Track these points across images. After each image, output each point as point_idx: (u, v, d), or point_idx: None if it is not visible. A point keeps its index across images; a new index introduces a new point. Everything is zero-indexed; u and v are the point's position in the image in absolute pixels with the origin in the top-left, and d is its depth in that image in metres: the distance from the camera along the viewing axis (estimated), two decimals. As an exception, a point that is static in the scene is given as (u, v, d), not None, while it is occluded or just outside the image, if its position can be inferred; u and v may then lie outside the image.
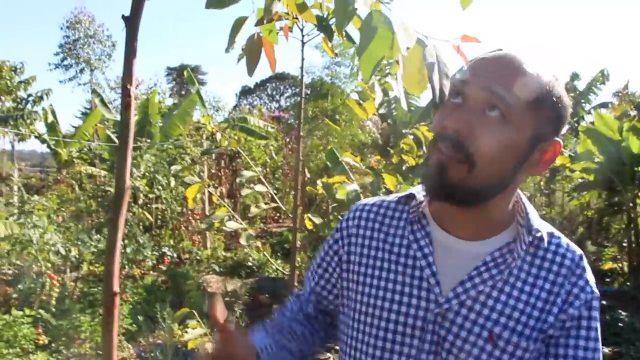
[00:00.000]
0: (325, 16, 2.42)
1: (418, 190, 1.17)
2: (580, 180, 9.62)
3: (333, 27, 1.71)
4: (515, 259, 1.04)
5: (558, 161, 10.75)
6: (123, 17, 1.65)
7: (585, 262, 1.09)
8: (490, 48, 1.10)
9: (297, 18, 2.86)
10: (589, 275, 1.08)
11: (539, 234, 1.05)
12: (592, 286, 1.06)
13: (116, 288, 1.48)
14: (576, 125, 16.87)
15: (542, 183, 13.15)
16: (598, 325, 1.06)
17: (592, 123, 9.43)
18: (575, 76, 18.29)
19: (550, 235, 1.09)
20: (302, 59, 3.32)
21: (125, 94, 1.53)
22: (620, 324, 5.40)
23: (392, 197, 1.24)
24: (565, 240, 1.10)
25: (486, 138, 0.97)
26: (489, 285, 1.04)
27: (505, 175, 1.01)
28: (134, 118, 1.59)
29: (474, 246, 1.07)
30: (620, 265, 8.53)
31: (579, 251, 1.09)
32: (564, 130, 1.06)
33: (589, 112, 17.80)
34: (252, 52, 2.16)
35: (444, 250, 1.09)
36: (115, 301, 1.46)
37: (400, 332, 1.08)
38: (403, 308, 1.08)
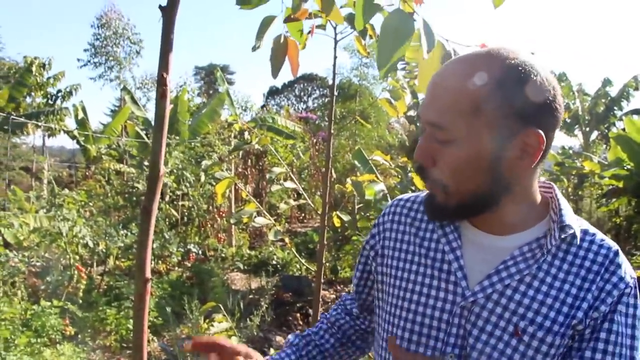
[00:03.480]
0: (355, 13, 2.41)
1: None
2: (609, 187, 9.47)
3: (355, 22, 1.71)
4: (544, 254, 1.02)
5: (587, 167, 10.63)
6: (160, 7, 1.65)
7: (621, 258, 1.04)
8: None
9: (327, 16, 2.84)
10: (625, 271, 1.03)
11: (571, 231, 1.02)
12: (627, 282, 1.02)
13: (148, 274, 1.49)
14: (606, 131, 16.64)
15: (570, 189, 13.00)
16: (633, 321, 1.02)
17: (624, 130, 9.29)
18: (607, 82, 18.00)
19: (585, 232, 1.06)
20: (335, 57, 3.30)
21: (161, 83, 1.54)
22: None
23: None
24: (600, 237, 1.07)
25: (444, 163, 1.00)
26: (516, 279, 1.03)
27: (489, 185, 1.00)
28: (169, 107, 1.59)
29: (503, 241, 1.07)
30: (650, 274, 8.36)
31: (615, 247, 1.05)
32: (548, 112, 0.98)
33: (620, 119, 17.52)
34: (277, 55, 2.16)
35: (473, 245, 1.09)
36: (147, 287, 1.47)
37: (427, 325, 1.09)
38: (430, 301, 1.10)
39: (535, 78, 0.96)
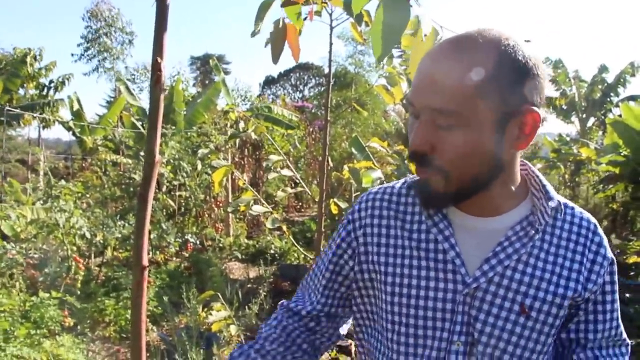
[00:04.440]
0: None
1: None
2: (606, 173, 9.49)
3: (352, 6, 1.69)
4: (537, 230, 1.05)
5: (583, 154, 10.65)
6: (154, -8, 1.64)
7: (599, 229, 1.12)
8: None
9: (326, 2, 2.82)
10: (606, 242, 1.12)
11: (554, 204, 1.06)
12: (610, 252, 1.11)
13: (145, 262, 1.49)
14: (603, 117, 16.66)
15: (566, 176, 13.03)
16: (616, 286, 1.14)
17: (620, 116, 9.29)
18: (604, 68, 17.99)
19: (565, 205, 1.11)
20: (331, 44, 3.29)
21: (156, 69, 1.52)
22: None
23: (399, 183, 1.21)
24: (578, 209, 1.13)
25: (446, 150, 0.97)
26: (514, 259, 1.04)
27: (487, 168, 1.00)
28: (163, 94, 1.58)
29: (493, 222, 1.07)
30: (645, 258, 8.39)
31: (593, 219, 1.12)
32: (540, 91, 0.99)
33: (617, 105, 17.52)
34: (277, 40, 2.14)
35: (464, 230, 1.08)
36: (145, 274, 1.47)
37: (431, 318, 1.07)
38: (431, 293, 1.07)
39: (527, 57, 0.96)
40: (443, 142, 0.97)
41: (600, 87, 18.13)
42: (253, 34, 2.13)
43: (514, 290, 1.04)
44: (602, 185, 9.78)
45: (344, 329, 1.32)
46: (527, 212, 1.07)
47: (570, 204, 1.13)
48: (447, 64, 0.95)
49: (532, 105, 0.97)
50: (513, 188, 1.07)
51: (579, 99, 18.53)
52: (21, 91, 15.49)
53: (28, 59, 14.29)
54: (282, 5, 2.16)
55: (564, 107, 18.69)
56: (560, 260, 1.06)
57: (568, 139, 14.22)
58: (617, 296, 1.13)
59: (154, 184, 1.51)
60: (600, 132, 17.83)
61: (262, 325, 1.29)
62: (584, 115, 18.81)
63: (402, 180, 1.22)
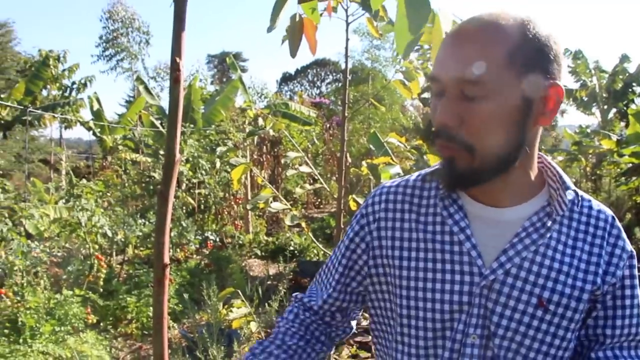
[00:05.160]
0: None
1: None
2: (628, 165, 9.35)
3: (371, 3, 1.68)
4: (555, 221, 1.04)
5: (605, 146, 10.50)
6: (171, -9, 1.65)
7: (617, 222, 1.11)
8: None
9: (341, -2, 2.82)
10: (624, 235, 1.10)
11: (571, 196, 1.05)
12: (629, 245, 1.09)
13: (166, 260, 1.50)
14: (625, 108, 16.40)
15: (588, 168, 12.87)
16: (637, 281, 1.10)
17: (643, 106, 9.15)
18: (625, 58, 17.68)
19: (581, 197, 1.09)
20: (347, 39, 3.27)
21: (175, 68, 1.53)
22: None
23: (414, 176, 1.20)
24: (595, 202, 1.11)
25: (474, 122, 0.96)
26: (531, 250, 1.03)
27: (512, 143, 0.98)
28: (182, 92, 1.59)
29: (510, 213, 1.05)
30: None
31: (609, 212, 1.11)
32: (561, 68, 0.99)
33: (639, 96, 17.24)
34: (294, 33, 2.14)
35: (480, 221, 1.07)
36: (166, 272, 1.48)
37: (448, 311, 1.05)
38: (447, 286, 1.05)
39: (548, 33, 0.97)
40: (472, 113, 0.95)
41: (621, 77, 17.83)
42: (269, 30, 2.13)
43: (531, 283, 1.02)
44: (624, 178, 9.63)
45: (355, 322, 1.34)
46: (543, 203, 1.06)
47: (586, 196, 1.11)
48: (474, 36, 0.96)
49: (553, 79, 0.97)
50: (532, 176, 1.06)
51: (600, 90, 18.26)
52: (44, 92, 15.69)
53: (51, 61, 14.46)
54: (299, 2, 2.16)
55: (585, 98, 18.44)
56: (578, 253, 1.05)
57: (589, 130, 14.02)
58: (637, 292, 1.10)
59: (174, 182, 1.53)
60: (623, 124, 17.57)
61: (279, 319, 1.29)
62: (605, 107, 18.54)
63: (417, 173, 1.21)
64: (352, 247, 1.20)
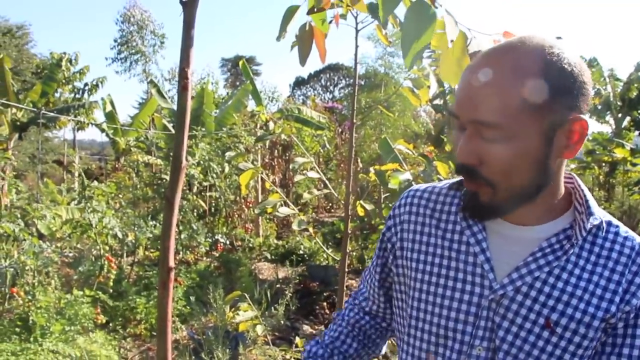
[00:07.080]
0: (377, 3, 2.40)
1: None
2: (642, 174, 9.27)
3: (380, 12, 1.70)
4: (573, 245, 1.01)
5: (619, 155, 10.42)
6: (181, 1, 1.68)
7: None
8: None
9: (350, 6, 2.84)
10: None
11: (597, 222, 1.02)
12: None
13: (171, 263, 1.53)
14: (638, 117, 16.27)
15: (601, 177, 12.76)
16: None
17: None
18: (639, 66, 17.53)
19: (609, 223, 1.06)
20: (356, 47, 3.30)
21: (183, 77, 1.57)
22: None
23: (443, 183, 1.22)
24: (624, 229, 1.07)
25: (493, 161, 0.96)
26: (545, 271, 1.02)
27: (534, 180, 0.98)
28: (190, 101, 1.62)
29: (529, 232, 1.05)
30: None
31: (639, 239, 1.06)
32: (587, 98, 0.96)
33: (653, 104, 17.08)
34: (304, 42, 2.17)
35: (499, 237, 1.07)
36: (170, 275, 1.51)
37: (454, 319, 1.07)
38: (457, 294, 1.07)
39: (572, 64, 0.94)
40: (490, 155, 0.96)
41: (636, 85, 17.69)
42: (278, 39, 2.16)
43: (540, 303, 1.02)
44: (637, 187, 9.56)
45: None
46: (566, 225, 1.05)
47: (616, 222, 1.08)
48: (490, 77, 0.94)
49: (579, 113, 0.96)
50: (556, 200, 1.06)
51: (614, 98, 18.12)
52: (57, 94, 15.82)
53: (63, 63, 14.59)
54: (309, 13, 2.18)
55: (599, 106, 18.30)
56: (595, 278, 1.02)
57: (602, 139, 13.90)
58: None
59: (180, 187, 1.55)
60: (637, 133, 17.41)
61: (336, 320, 1.40)
62: (620, 115, 18.40)
63: (447, 181, 1.22)
64: (383, 246, 1.27)
